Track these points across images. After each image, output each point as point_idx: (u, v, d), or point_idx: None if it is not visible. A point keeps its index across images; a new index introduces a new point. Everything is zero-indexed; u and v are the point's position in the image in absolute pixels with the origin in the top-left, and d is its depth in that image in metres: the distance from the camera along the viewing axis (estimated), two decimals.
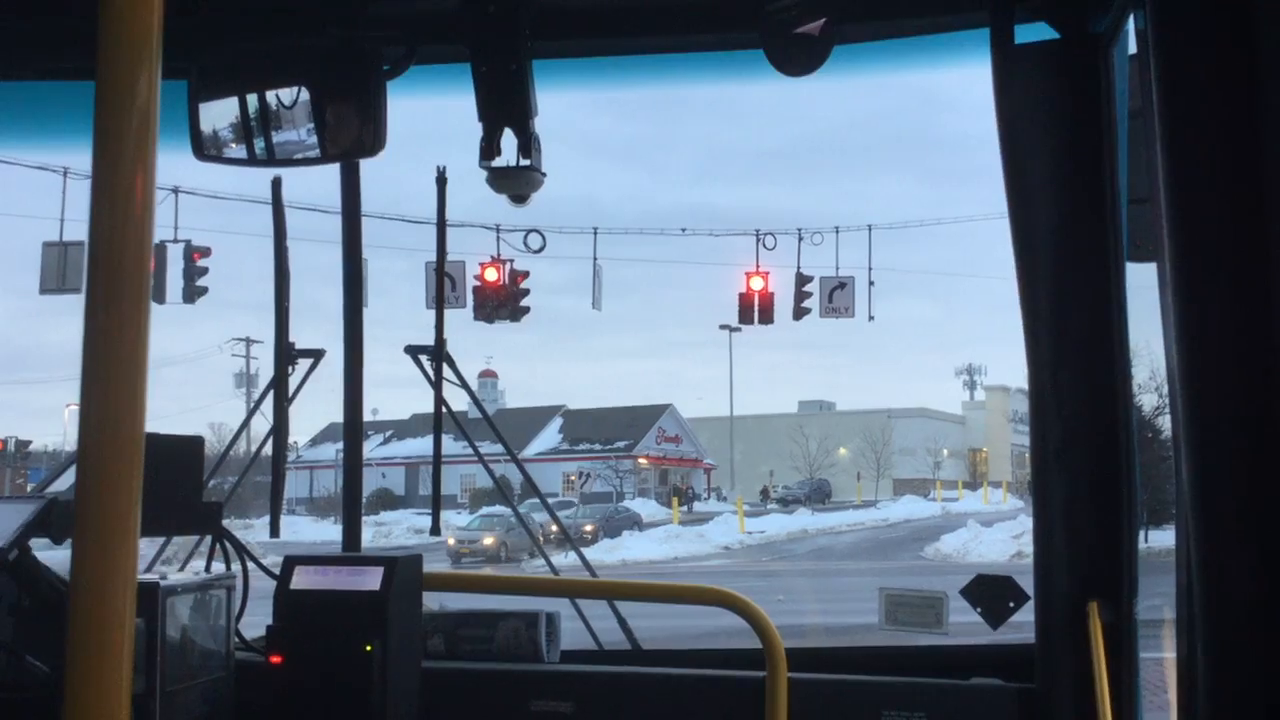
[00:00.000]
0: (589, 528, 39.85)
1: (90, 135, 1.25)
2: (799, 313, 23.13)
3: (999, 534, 33.28)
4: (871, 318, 23.39)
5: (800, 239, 22.83)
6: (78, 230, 20.50)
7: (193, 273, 20.86)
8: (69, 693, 1.20)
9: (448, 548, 33.84)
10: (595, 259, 23.34)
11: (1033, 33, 3.05)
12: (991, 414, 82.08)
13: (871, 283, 23.22)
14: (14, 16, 3.31)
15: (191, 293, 20.85)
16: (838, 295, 23.05)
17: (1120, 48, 2.91)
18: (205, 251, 21.13)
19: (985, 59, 3.04)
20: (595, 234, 23.21)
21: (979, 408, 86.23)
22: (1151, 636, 3.00)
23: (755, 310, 23.41)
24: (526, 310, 22.16)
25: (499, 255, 21.46)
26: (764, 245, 23.03)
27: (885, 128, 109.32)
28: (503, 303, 21.63)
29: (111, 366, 1.24)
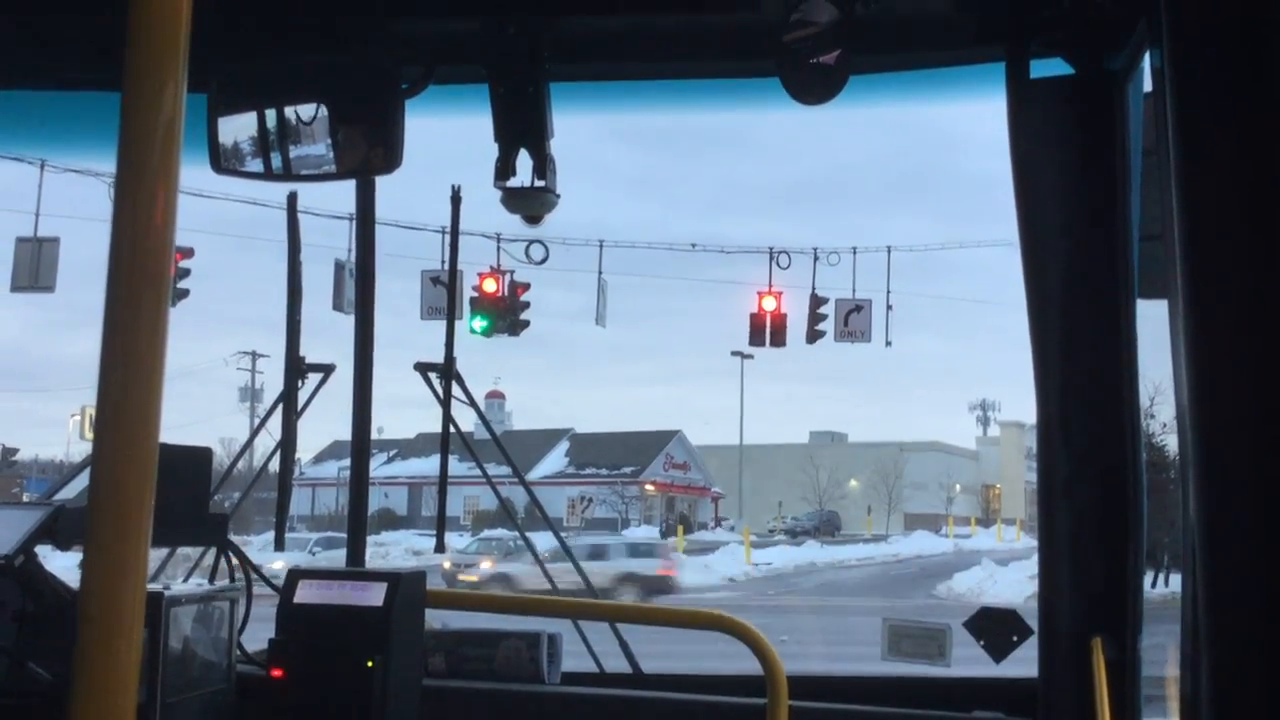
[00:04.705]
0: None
1: (113, 146, 1.26)
2: (813, 335, 21.90)
3: (1014, 573, 31.76)
4: (889, 343, 22.09)
5: (816, 259, 21.53)
6: (53, 225, 19.67)
7: (174, 274, 19.19)
8: (74, 700, 1.20)
9: (443, 571, 33.32)
10: (600, 273, 22.26)
11: (1048, 68, 3.06)
12: (1006, 450, 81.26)
13: (890, 306, 21.89)
14: (41, 27, 3.35)
15: (173, 295, 19.29)
16: (854, 318, 21.68)
17: (1135, 85, 2.93)
18: (188, 252, 19.72)
19: (1000, 93, 3.05)
20: (601, 246, 22.26)
21: (993, 443, 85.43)
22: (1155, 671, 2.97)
23: (767, 332, 22.13)
24: (526, 324, 20.97)
25: (499, 265, 20.24)
26: (778, 264, 21.69)
27: (901, 165, 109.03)
28: (501, 315, 20.46)
29: (130, 376, 1.25)
